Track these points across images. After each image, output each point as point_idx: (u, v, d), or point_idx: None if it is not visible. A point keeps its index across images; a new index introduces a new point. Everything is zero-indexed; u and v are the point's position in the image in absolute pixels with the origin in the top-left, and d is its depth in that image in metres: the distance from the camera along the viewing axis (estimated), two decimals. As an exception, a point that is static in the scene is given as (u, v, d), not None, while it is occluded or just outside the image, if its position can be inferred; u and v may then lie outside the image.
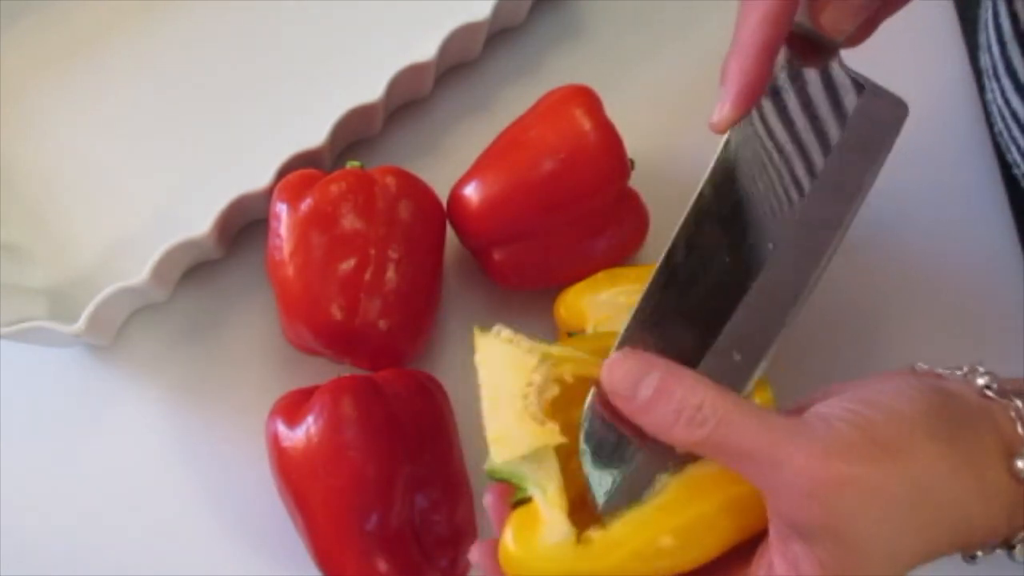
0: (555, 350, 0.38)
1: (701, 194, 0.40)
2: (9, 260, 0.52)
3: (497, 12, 0.54)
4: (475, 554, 0.38)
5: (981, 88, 0.59)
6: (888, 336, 0.54)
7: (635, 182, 0.50)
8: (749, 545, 0.35)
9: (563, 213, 0.48)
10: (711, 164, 0.40)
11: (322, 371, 0.49)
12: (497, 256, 0.50)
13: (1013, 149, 0.56)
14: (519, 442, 0.36)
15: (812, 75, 0.40)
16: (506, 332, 0.38)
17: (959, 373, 0.36)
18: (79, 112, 0.57)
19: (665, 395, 0.34)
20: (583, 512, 0.36)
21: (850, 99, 0.39)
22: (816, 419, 0.33)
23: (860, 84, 0.39)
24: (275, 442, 0.46)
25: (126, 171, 0.56)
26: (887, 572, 0.32)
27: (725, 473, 0.34)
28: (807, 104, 0.40)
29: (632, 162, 0.49)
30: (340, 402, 0.45)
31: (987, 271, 0.55)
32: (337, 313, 0.47)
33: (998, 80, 0.56)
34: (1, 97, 0.57)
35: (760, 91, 0.39)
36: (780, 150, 0.40)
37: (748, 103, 0.39)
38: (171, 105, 0.57)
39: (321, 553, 0.45)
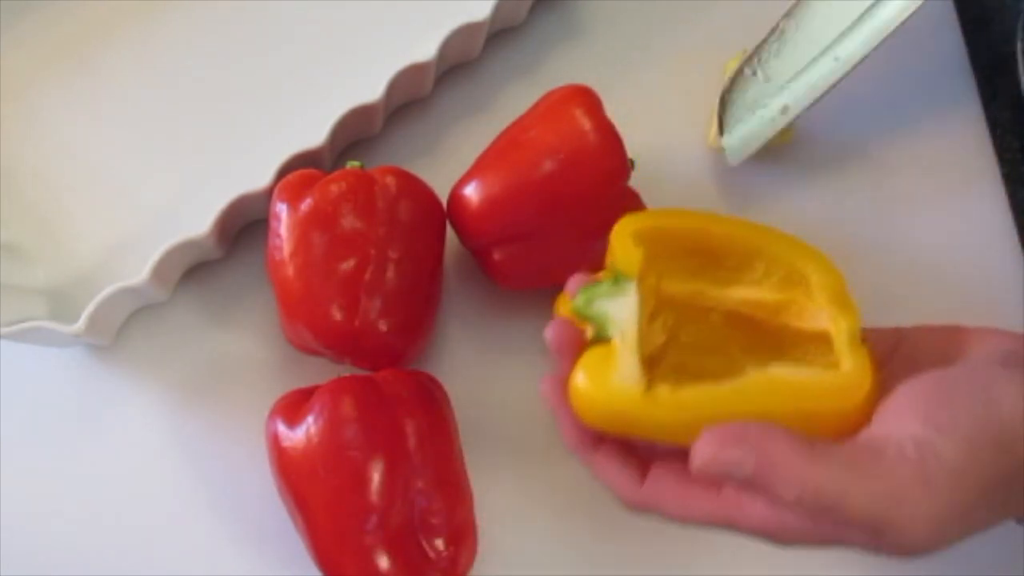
0: None
1: None
2: (9, 260, 0.52)
3: (497, 12, 0.54)
4: (545, 388, 0.40)
5: (996, 76, 0.58)
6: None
7: (635, 182, 0.50)
8: None
9: (563, 213, 0.48)
10: None
11: (322, 371, 0.49)
12: (497, 256, 0.49)
13: None
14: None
15: None
16: None
17: None
18: (79, 112, 0.57)
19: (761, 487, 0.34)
20: (650, 371, 0.38)
21: None
22: (889, 444, 0.34)
23: None
24: (275, 442, 0.46)
25: (126, 171, 0.56)
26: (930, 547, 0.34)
27: (806, 386, 0.36)
28: None
29: (632, 162, 0.49)
30: (340, 402, 0.45)
31: (986, 271, 0.55)
32: (337, 313, 0.47)
33: None
34: (1, 97, 0.57)
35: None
36: None
37: None
38: (171, 105, 0.57)
39: (321, 553, 0.45)
